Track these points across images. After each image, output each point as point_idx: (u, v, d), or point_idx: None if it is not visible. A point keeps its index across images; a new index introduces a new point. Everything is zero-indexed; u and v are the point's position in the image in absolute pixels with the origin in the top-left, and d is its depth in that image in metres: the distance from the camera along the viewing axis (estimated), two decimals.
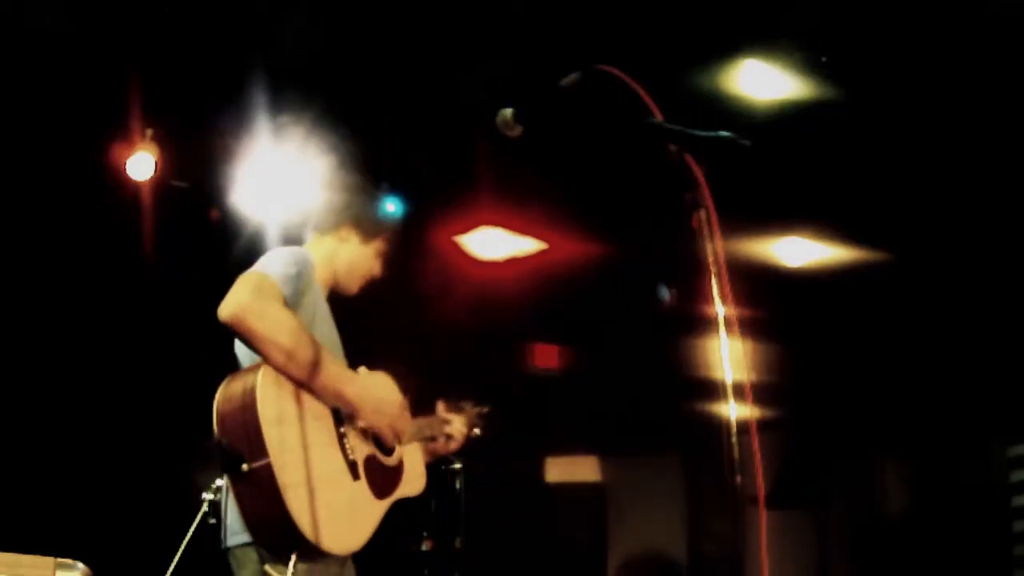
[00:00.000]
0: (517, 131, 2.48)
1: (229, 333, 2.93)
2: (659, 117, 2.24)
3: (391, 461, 3.16)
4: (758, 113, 5.16)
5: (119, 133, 5.64)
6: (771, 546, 1.97)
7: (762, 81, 5.04)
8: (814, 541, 7.48)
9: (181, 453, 4.53)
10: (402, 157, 6.21)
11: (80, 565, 3.48)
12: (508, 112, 2.47)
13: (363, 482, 3.01)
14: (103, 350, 6.26)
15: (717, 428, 2.01)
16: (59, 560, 3.42)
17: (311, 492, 2.75)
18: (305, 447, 2.82)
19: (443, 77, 5.23)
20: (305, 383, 2.88)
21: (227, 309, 2.86)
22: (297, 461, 2.75)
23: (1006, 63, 4.77)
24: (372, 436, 3.11)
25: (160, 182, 5.86)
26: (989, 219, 5.87)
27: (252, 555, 2.94)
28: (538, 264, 6.84)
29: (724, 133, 2.22)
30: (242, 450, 2.71)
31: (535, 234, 6.67)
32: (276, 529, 2.71)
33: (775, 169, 5.38)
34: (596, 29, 4.68)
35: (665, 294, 7.11)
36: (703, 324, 2.11)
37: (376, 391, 3.12)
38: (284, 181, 5.91)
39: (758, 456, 2.03)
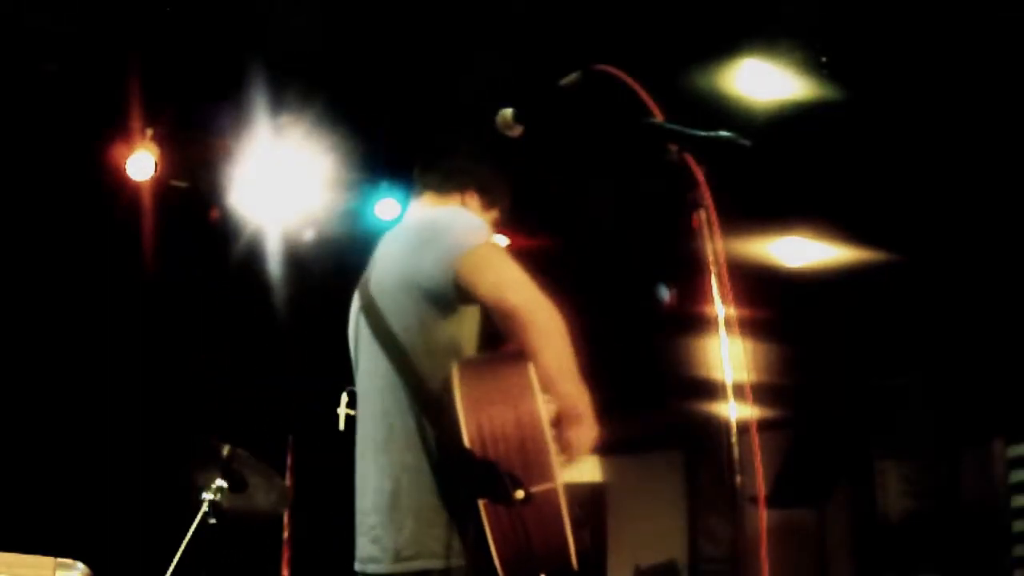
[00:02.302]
0: (517, 131, 2.47)
1: (503, 319, 2.38)
2: (659, 117, 2.24)
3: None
4: (758, 113, 5.16)
5: (119, 133, 5.64)
6: (771, 546, 1.97)
7: (762, 81, 5.04)
8: (814, 541, 7.48)
9: (181, 453, 4.53)
10: (402, 155, 6.21)
11: (80, 565, 3.48)
12: (508, 112, 2.47)
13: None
14: (103, 350, 6.27)
15: (717, 428, 2.01)
16: (59, 560, 3.42)
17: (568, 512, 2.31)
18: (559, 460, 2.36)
19: (443, 76, 5.23)
20: (558, 388, 2.39)
21: (513, 293, 2.37)
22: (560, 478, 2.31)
23: (1006, 63, 4.77)
24: None
25: (160, 182, 5.86)
26: (990, 219, 5.87)
27: None
28: (536, 263, 6.83)
29: (724, 133, 2.22)
30: (516, 471, 2.21)
31: (534, 234, 6.67)
32: (541, 558, 2.28)
33: (775, 169, 5.39)
34: (596, 29, 4.67)
35: (665, 294, 7.11)
36: (703, 324, 2.11)
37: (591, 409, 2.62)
38: (285, 180, 5.92)
39: (758, 456, 2.03)
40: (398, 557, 2.41)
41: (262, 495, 4.58)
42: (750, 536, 1.98)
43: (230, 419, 5.76)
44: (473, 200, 2.90)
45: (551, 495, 2.24)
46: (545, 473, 2.24)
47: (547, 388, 2.36)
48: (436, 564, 2.37)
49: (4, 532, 3.84)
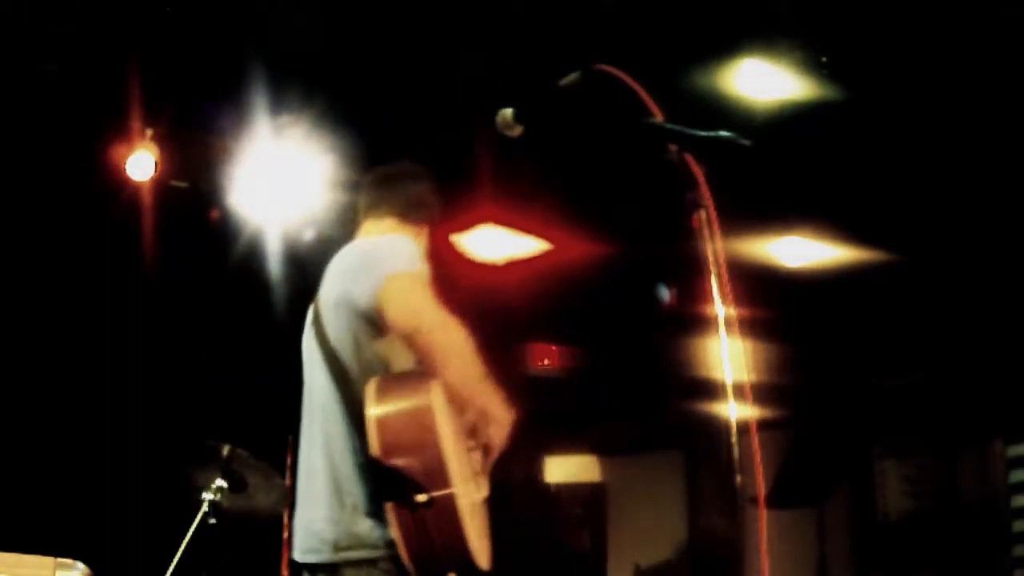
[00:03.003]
0: (517, 131, 2.48)
1: (410, 344, 2.62)
2: (659, 117, 2.24)
3: (486, 467, 2.99)
4: (758, 113, 5.16)
5: (119, 133, 5.64)
6: (771, 546, 1.97)
7: (762, 81, 5.04)
8: (814, 541, 7.49)
9: (181, 453, 4.53)
10: (402, 155, 6.20)
11: (80, 565, 3.48)
12: (508, 112, 2.47)
13: (481, 492, 2.87)
14: (103, 350, 6.27)
15: (717, 428, 2.01)
16: (59, 560, 3.43)
17: (471, 513, 2.59)
18: (462, 467, 2.63)
19: (443, 75, 5.23)
20: (462, 393, 2.65)
21: (413, 318, 2.58)
22: (462, 484, 2.55)
23: (1006, 63, 4.77)
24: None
25: (160, 182, 5.86)
26: (990, 219, 5.87)
27: (367, 571, 2.63)
28: (538, 264, 6.84)
29: (724, 133, 2.22)
30: (417, 477, 2.45)
31: (535, 234, 6.67)
32: (445, 554, 2.50)
33: (775, 169, 5.39)
34: (596, 29, 4.67)
35: (665, 294, 7.11)
36: (703, 324, 2.11)
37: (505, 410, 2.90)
38: (285, 180, 5.92)
39: (758, 456, 2.03)
40: (336, 548, 2.64)
41: (262, 495, 4.59)
42: (750, 536, 1.98)
43: (230, 419, 5.76)
44: (424, 232, 3.14)
45: (449, 500, 2.47)
46: (443, 480, 2.47)
47: (458, 400, 2.66)
48: (365, 554, 2.61)
49: (4, 532, 3.84)
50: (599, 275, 6.85)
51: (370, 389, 2.56)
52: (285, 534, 5.32)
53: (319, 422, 2.78)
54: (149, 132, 5.66)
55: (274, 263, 6.28)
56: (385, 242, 2.91)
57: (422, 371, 2.62)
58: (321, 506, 2.70)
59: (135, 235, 6.00)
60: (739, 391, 2.03)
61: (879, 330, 7.22)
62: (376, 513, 2.58)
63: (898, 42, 4.77)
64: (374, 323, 2.67)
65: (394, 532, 2.48)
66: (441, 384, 2.60)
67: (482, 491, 2.93)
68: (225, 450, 4.40)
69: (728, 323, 2.06)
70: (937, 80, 4.95)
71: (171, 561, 4.32)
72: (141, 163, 5.66)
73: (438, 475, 2.47)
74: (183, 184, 6.05)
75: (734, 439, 2.00)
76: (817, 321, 7.16)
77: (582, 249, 6.64)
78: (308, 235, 6.32)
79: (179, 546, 4.35)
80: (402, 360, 2.72)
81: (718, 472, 2.00)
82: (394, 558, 2.55)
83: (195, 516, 4.39)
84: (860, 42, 4.81)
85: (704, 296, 2.09)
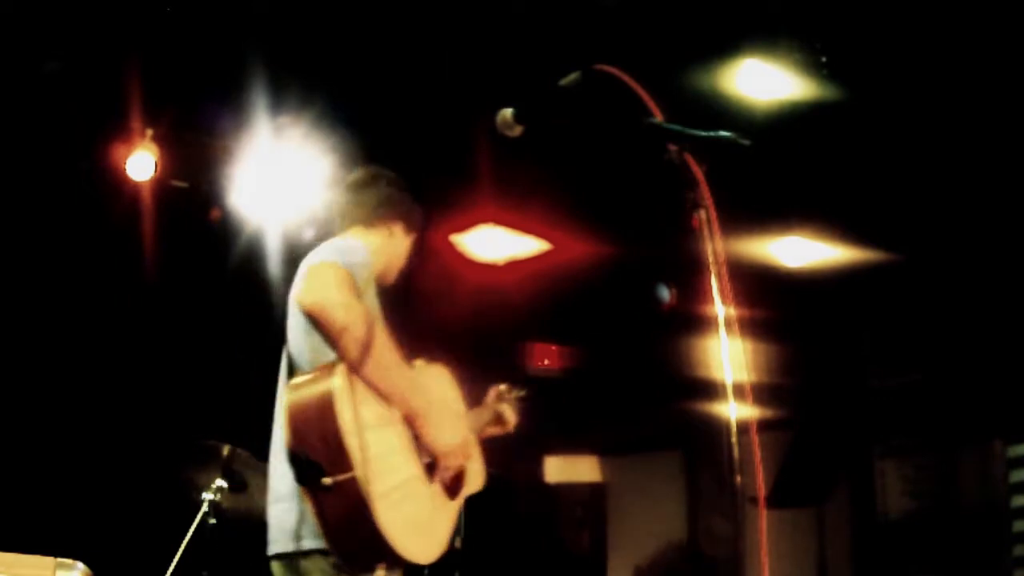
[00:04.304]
0: (517, 131, 2.48)
1: (311, 322, 2.67)
2: (659, 117, 2.24)
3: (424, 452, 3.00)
4: (758, 113, 5.16)
5: (119, 133, 5.64)
6: (771, 546, 1.97)
7: (762, 81, 5.04)
8: (814, 541, 7.48)
9: (181, 453, 4.53)
10: (402, 155, 6.21)
11: (80, 565, 3.48)
12: (508, 112, 2.47)
13: (436, 485, 2.89)
14: (103, 350, 6.27)
15: (717, 428, 2.01)
16: (59, 560, 3.43)
17: (396, 503, 2.61)
18: (386, 454, 2.66)
19: (443, 75, 5.23)
20: (376, 385, 2.70)
21: (311, 297, 2.62)
22: (381, 470, 2.60)
23: (1006, 63, 4.77)
24: None
25: (160, 182, 5.86)
26: (990, 219, 5.87)
27: (321, 563, 2.74)
28: (538, 264, 6.84)
29: (724, 133, 2.23)
30: (322, 462, 2.52)
31: (535, 234, 6.67)
32: (362, 543, 2.55)
33: (775, 169, 5.39)
34: (596, 29, 4.67)
35: (665, 294, 7.11)
36: (703, 324, 2.11)
37: (436, 391, 2.99)
38: (285, 180, 5.92)
39: (758, 456, 2.03)
40: (295, 537, 2.77)
41: (262, 495, 4.57)
42: (750, 536, 1.98)
43: (230, 419, 5.76)
44: (398, 228, 3.24)
45: (351, 484, 2.51)
46: (344, 464, 2.52)
47: (377, 390, 2.71)
48: (319, 544, 2.69)
49: (4, 532, 3.84)
50: (599, 275, 6.85)
51: (291, 382, 2.69)
52: None
53: (278, 419, 2.95)
54: (149, 132, 5.66)
55: (274, 263, 6.28)
56: (326, 244, 2.98)
57: (333, 361, 2.66)
58: (284, 498, 2.83)
59: (135, 235, 6.00)
60: (739, 391, 2.03)
61: (879, 330, 7.22)
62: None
63: (898, 42, 4.77)
64: (306, 318, 2.73)
65: (314, 516, 2.56)
66: (346, 372, 2.64)
67: (466, 483, 2.99)
68: (225, 450, 4.40)
69: (728, 323, 2.06)
70: (937, 80, 4.95)
71: (171, 561, 4.32)
72: (141, 163, 5.67)
73: (339, 459, 2.51)
74: (183, 184, 6.05)
75: (734, 439, 2.00)
76: (817, 321, 7.15)
77: (582, 249, 6.65)
78: (308, 235, 6.31)
79: (179, 546, 4.35)
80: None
81: (718, 472, 2.00)
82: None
83: (195, 516, 4.38)
84: (860, 42, 4.81)
85: (704, 296, 2.09)
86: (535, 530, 8.80)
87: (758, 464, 2.02)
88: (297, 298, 2.72)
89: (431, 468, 2.86)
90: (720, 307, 2.06)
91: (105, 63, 5.10)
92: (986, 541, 6.63)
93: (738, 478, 2.00)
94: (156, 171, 5.72)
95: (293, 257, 6.30)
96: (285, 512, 2.82)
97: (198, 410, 6.22)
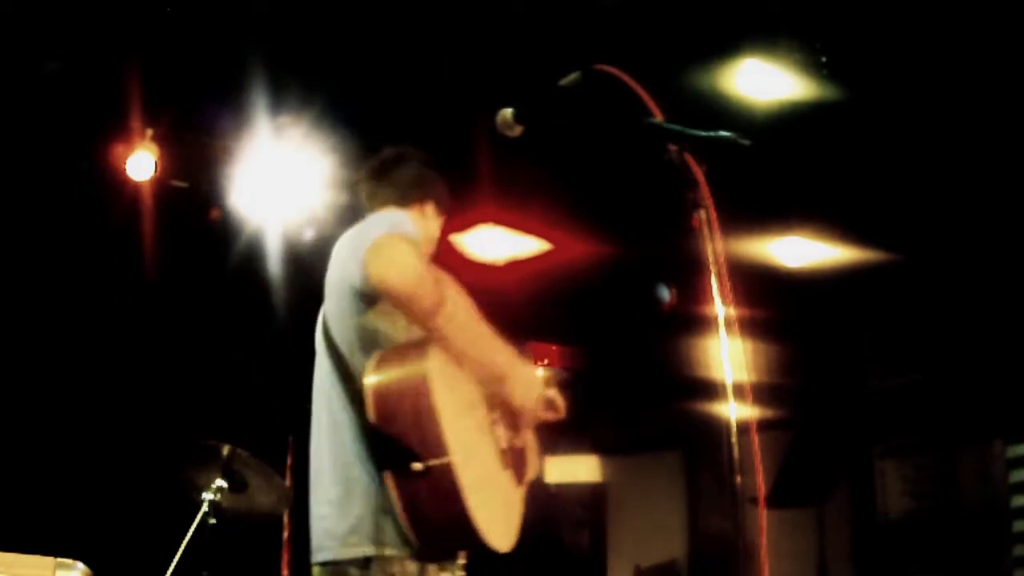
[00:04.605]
0: (517, 131, 2.48)
1: (392, 301, 2.49)
2: (659, 117, 2.24)
3: (520, 442, 2.90)
4: (758, 113, 5.16)
5: (119, 133, 5.64)
6: (771, 546, 1.97)
7: (762, 81, 5.04)
8: (814, 541, 7.48)
9: (181, 453, 4.53)
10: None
11: (80, 565, 3.48)
12: (508, 112, 2.47)
13: (510, 470, 2.78)
14: (103, 350, 6.27)
15: (717, 428, 2.01)
16: (59, 560, 3.43)
17: (482, 489, 2.49)
18: (474, 439, 2.56)
19: (443, 75, 5.23)
20: (467, 352, 2.55)
21: (401, 275, 2.42)
22: (470, 456, 2.48)
23: (1006, 63, 4.77)
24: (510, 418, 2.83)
25: (160, 182, 5.86)
26: (990, 219, 5.87)
27: (377, 573, 2.53)
28: (538, 264, 6.84)
29: (724, 133, 2.23)
30: (413, 446, 2.39)
31: (535, 234, 6.67)
32: (449, 530, 2.43)
33: (775, 169, 5.39)
34: (596, 29, 4.68)
35: (665, 294, 7.11)
36: (703, 324, 2.11)
37: (525, 367, 2.78)
38: (285, 180, 5.92)
39: (758, 456, 2.03)
40: (345, 543, 2.55)
41: (262, 495, 4.58)
42: (750, 536, 1.98)
43: (230, 419, 5.76)
44: (430, 207, 3.07)
45: (446, 470, 2.38)
46: (439, 449, 2.38)
47: (469, 366, 2.58)
48: (374, 551, 2.51)
49: (4, 532, 3.84)
50: (599, 275, 6.85)
51: (370, 362, 2.52)
52: (285, 534, 5.33)
53: (325, 414, 2.70)
54: (149, 132, 5.66)
55: (274, 263, 6.28)
56: (371, 218, 2.83)
57: (423, 339, 2.52)
58: (332, 501, 2.62)
59: (135, 235, 6.00)
60: (739, 391, 2.03)
61: (879, 330, 7.22)
62: (384, 507, 2.49)
63: (898, 42, 4.77)
64: (368, 298, 2.60)
65: (396, 506, 2.42)
66: (444, 350, 2.51)
67: (529, 469, 2.88)
68: (225, 450, 4.40)
69: (728, 323, 2.06)
70: (937, 80, 4.95)
71: (171, 561, 4.32)
72: (141, 163, 5.67)
73: (434, 443, 2.39)
74: (183, 184, 6.05)
75: (734, 439, 2.00)
76: (817, 321, 7.16)
77: (582, 249, 6.65)
78: (308, 235, 6.31)
79: (179, 546, 4.34)
80: (401, 332, 2.63)
81: (718, 472, 2.00)
82: (404, 555, 2.49)
83: (195, 516, 4.38)
84: (860, 42, 4.81)
85: (704, 296, 2.09)
86: (535, 530, 8.80)
87: (758, 464, 2.02)
88: (372, 277, 2.48)
89: (503, 455, 2.77)
90: (720, 307, 2.06)
91: (105, 63, 5.10)
92: (986, 541, 6.63)
93: (738, 478, 2.00)
94: (156, 171, 5.72)
95: (293, 257, 6.32)
96: (336, 517, 2.59)
97: (198, 410, 6.23)
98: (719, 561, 7.93)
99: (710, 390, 2.06)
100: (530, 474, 2.98)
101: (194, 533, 4.37)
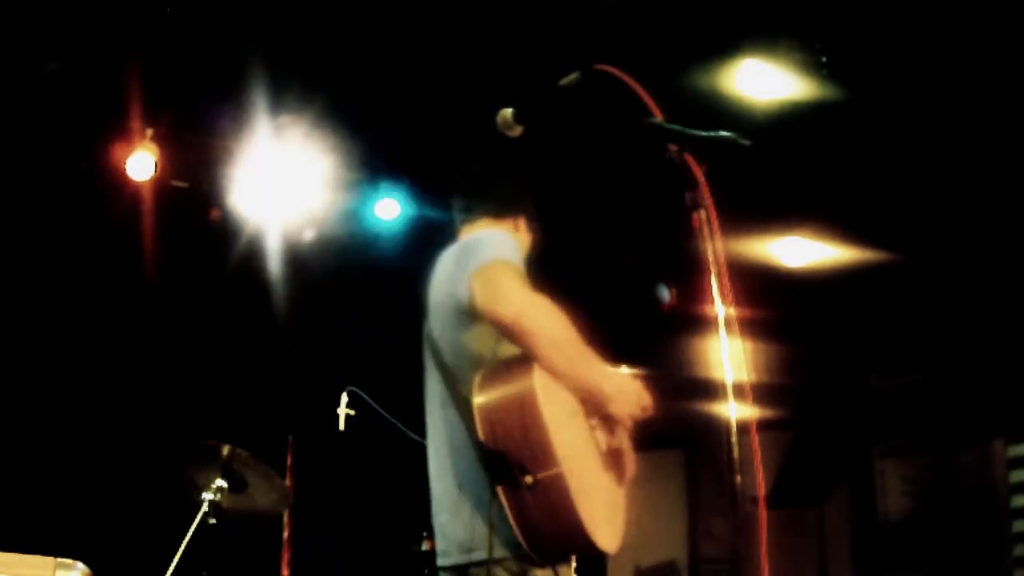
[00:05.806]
0: (517, 131, 2.48)
1: (499, 330, 2.62)
2: (659, 117, 2.24)
3: (616, 443, 2.98)
4: (758, 113, 5.16)
5: (119, 133, 5.64)
6: (771, 546, 1.97)
7: (762, 81, 5.04)
8: (814, 541, 7.48)
9: (181, 453, 4.53)
10: (401, 156, 6.21)
11: (80, 565, 3.48)
12: (508, 112, 2.47)
13: (611, 472, 2.88)
14: (103, 350, 6.27)
15: (717, 428, 2.01)
16: (59, 560, 3.43)
17: (590, 494, 2.59)
18: (578, 447, 2.65)
19: (443, 75, 5.23)
20: (567, 376, 2.66)
21: (508, 308, 2.57)
22: (576, 464, 2.57)
23: (1006, 63, 4.77)
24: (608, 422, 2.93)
25: (160, 182, 5.86)
26: (990, 219, 5.87)
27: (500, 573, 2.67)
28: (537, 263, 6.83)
29: (724, 133, 2.22)
30: (524, 460, 2.48)
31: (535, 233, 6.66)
32: (561, 536, 2.54)
33: (775, 169, 5.39)
34: (596, 29, 4.68)
35: (665, 294, 7.11)
36: (703, 324, 2.11)
37: (617, 376, 2.89)
38: (285, 180, 5.92)
39: (758, 456, 2.03)
40: (463, 549, 2.69)
41: (262, 495, 4.58)
42: (750, 536, 1.98)
43: (230, 419, 5.76)
44: (522, 222, 3.13)
45: (557, 480, 2.47)
46: (549, 461, 2.48)
47: (562, 384, 2.65)
48: (489, 556, 2.62)
49: (4, 532, 3.84)
50: (599, 274, 6.85)
51: (476, 380, 2.61)
52: (285, 534, 5.33)
53: (439, 427, 2.83)
54: (149, 132, 5.66)
55: (274, 263, 6.28)
56: (475, 237, 2.89)
57: (525, 355, 2.61)
58: (449, 508, 2.75)
59: (135, 235, 6.00)
60: (739, 391, 2.03)
61: (879, 330, 7.21)
62: (499, 517, 2.58)
63: (898, 42, 4.77)
64: (474, 315, 2.68)
65: (509, 517, 2.50)
66: (541, 368, 2.60)
67: (627, 469, 2.95)
68: (225, 450, 4.40)
69: (728, 323, 2.06)
70: (937, 79, 4.95)
71: (171, 561, 4.32)
72: (141, 163, 5.67)
73: (544, 456, 2.48)
74: (183, 184, 6.05)
75: (734, 439, 2.00)
76: (817, 321, 7.15)
77: (581, 249, 6.64)
78: (308, 235, 6.32)
79: (179, 546, 4.34)
80: (506, 345, 2.71)
81: (718, 472, 2.01)
82: (520, 558, 2.59)
83: (195, 516, 4.38)
84: (860, 42, 4.81)
85: (704, 296, 2.09)
86: None
87: (758, 464, 2.02)
88: (480, 307, 2.62)
89: (604, 458, 2.86)
90: (720, 307, 2.06)
91: (105, 63, 5.10)
92: (986, 541, 6.63)
93: (738, 478, 2.00)
94: (156, 171, 5.72)
95: (293, 257, 6.32)
96: (459, 524, 2.72)
97: (198, 410, 6.23)
98: (719, 561, 7.93)
99: (710, 390, 2.06)
100: (628, 473, 3.04)
101: (194, 533, 4.37)
